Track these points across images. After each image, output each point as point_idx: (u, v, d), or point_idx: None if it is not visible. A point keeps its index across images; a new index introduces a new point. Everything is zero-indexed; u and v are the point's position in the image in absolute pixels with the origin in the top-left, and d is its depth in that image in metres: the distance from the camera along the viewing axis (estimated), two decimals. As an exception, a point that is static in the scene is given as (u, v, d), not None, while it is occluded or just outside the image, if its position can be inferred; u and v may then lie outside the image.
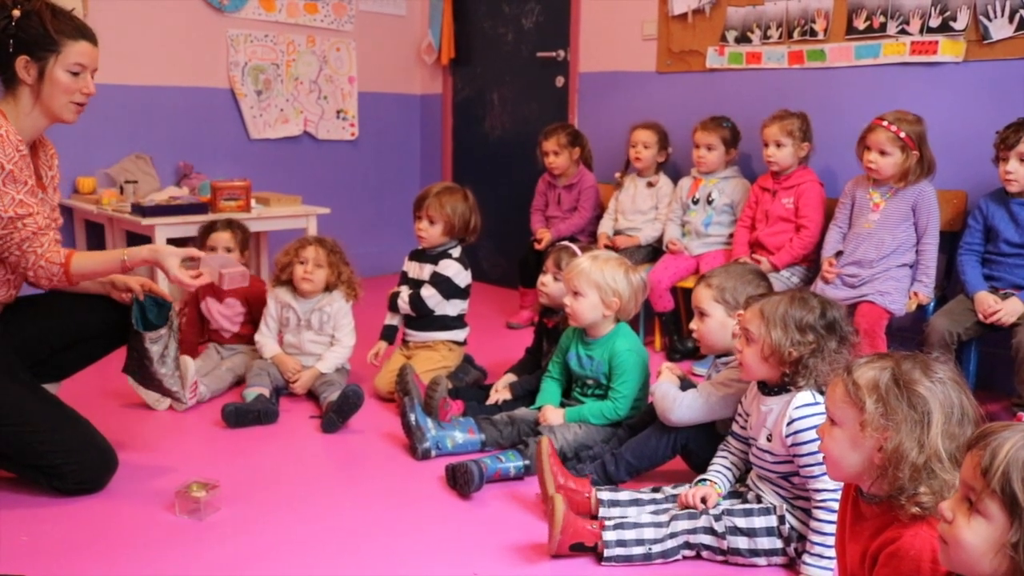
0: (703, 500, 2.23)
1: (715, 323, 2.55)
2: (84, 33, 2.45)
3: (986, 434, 1.21)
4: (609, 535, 2.15)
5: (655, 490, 2.38)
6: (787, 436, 2.09)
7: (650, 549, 2.14)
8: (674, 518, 2.18)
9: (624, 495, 2.35)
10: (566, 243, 3.21)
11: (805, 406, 2.09)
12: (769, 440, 2.17)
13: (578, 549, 2.17)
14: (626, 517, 2.23)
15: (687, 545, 2.16)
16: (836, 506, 1.99)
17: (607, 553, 2.13)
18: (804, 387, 2.11)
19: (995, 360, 3.26)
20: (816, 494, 2.06)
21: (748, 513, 2.17)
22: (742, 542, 2.14)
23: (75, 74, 2.43)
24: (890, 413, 1.47)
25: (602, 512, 2.31)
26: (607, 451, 2.61)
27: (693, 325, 2.62)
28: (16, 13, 2.36)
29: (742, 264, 2.78)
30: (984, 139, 3.20)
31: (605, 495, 2.35)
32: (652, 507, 2.31)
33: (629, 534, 2.15)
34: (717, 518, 2.16)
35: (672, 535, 2.15)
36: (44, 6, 2.40)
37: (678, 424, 2.50)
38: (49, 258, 2.39)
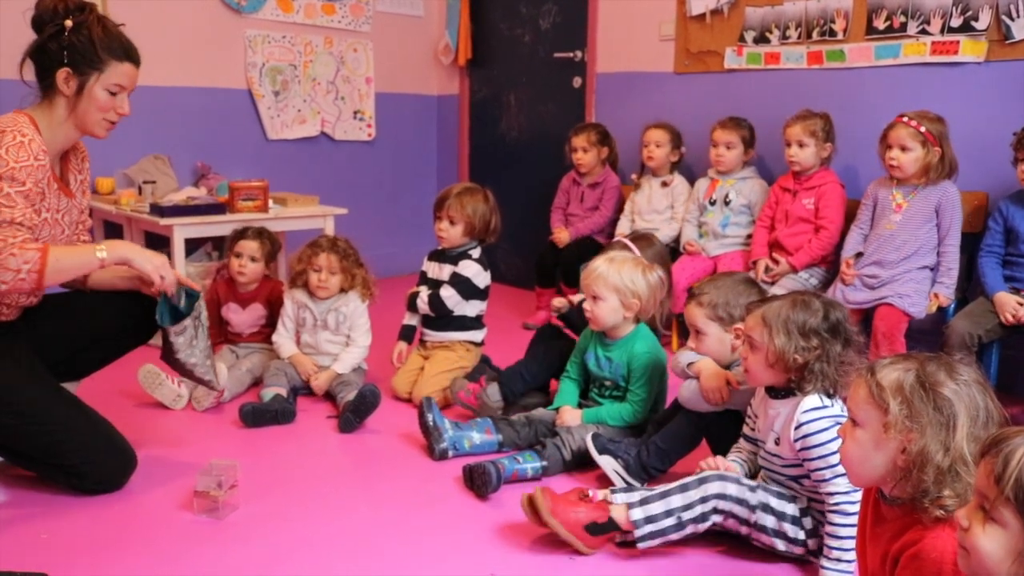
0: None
1: (713, 341, 2.53)
2: (130, 54, 2.45)
3: (998, 440, 1.20)
4: (636, 513, 2.09)
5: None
6: (795, 441, 2.07)
7: (680, 517, 2.09)
8: (703, 480, 2.11)
9: (638, 495, 2.33)
10: (621, 239, 3.20)
11: (812, 410, 2.06)
12: (777, 444, 2.15)
13: (598, 531, 2.14)
14: (647, 495, 2.16)
15: (716, 511, 2.10)
16: (850, 509, 1.99)
17: (638, 533, 2.10)
18: (811, 391, 2.07)
19: (1016, 363, 3.23)
20: (829, 498, 2.03)
21: (780, 496, 2.13)
22: (770, 521, 2.10)
23: (113, 94, 2.43)
24: (915, 415, 1.45)
25: (638, 532, 2.20)
26: (641, 444, 2.60)
27: (691, 344, 2.59)
28: (69, 24, 2.35)
29: (730, 275, 2.74)
30: (1006, 140, 3.17)
31: (636, 515, 2.23)
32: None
33: (656, 507, 2.09)
34: (752, 489, 2.11)
35: (703, 499, 2.08)
36: (96, 20, 2.39)
37: (685, 405, 2.53)
38: (22, 245, 2.23)
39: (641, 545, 2.12)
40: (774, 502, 2.12)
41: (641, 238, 3.20)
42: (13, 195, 2.27)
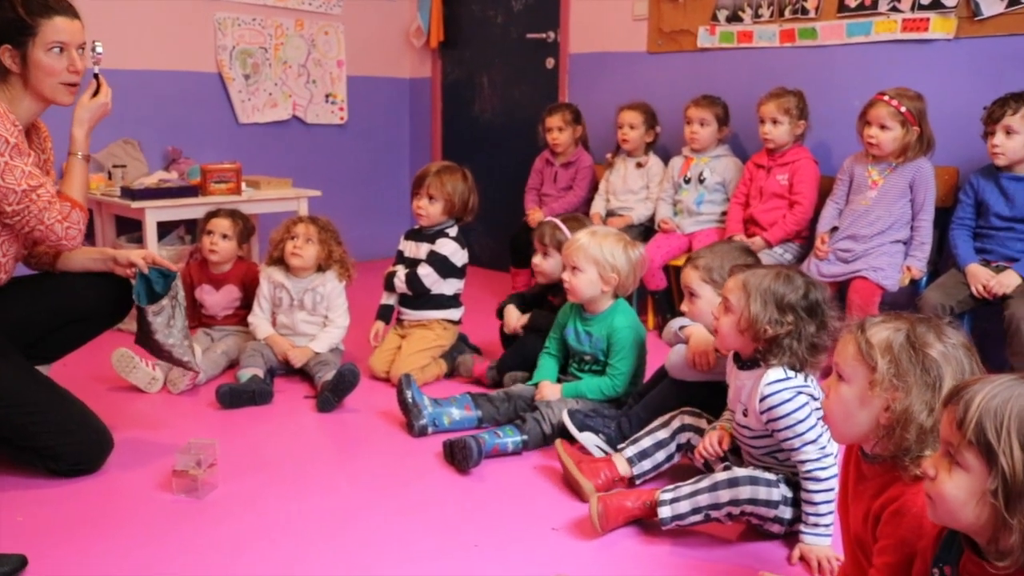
0: (720, 442, 2.23)
1: (705, 303, 2.53)
2: (57, 8, 2.37)
3: (960, 389, 1.23)
4: (665, 511, 2.09)
5: (665, 424, 2.41)
6: (761, 413, 2.07)
7: (708, 514, 2.09)
8: (734, 483, 2.08)
9: (647, 441, 2.39)
10: (550, 218, 3.22)
11: (776, 382, 2.05)
12: (745, 415, 2.16)
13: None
14: (679, 487, 2.14)
15: (743, 513, 2.10)
16: (823, 475, 2.01)
17: (665, 527, 2.11)
18: (776, 365, 2.07)
19: (986, 333, 3.27)
20: (801, 466, 2.04)
21: (788, 482, 2.11)
22: (788, 512, 2.09)
23: (59, 52, 2.37)
24: (902, 375, 1.46)
25: (636, 470, 2.37)
26: (621, 415, 2.62)
27: (684, 307, 2.61)
28: None
29: (727, 242, 2.77)
30: (976, 116, 3.21)
31: (630, 451, 2.38)
32: (675, 445, 2.38)
33: (683, 506, 2.09)
34: (776, 484, 2.08)
35: (734, 502, 2.06)
36: None
37: (670, 371, 2.57)
38: (67, 216, 2.42)
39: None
40: (792, 494, 2.10)
41: (571, 219, 3.19)
42: (32, 171, 2.34)
